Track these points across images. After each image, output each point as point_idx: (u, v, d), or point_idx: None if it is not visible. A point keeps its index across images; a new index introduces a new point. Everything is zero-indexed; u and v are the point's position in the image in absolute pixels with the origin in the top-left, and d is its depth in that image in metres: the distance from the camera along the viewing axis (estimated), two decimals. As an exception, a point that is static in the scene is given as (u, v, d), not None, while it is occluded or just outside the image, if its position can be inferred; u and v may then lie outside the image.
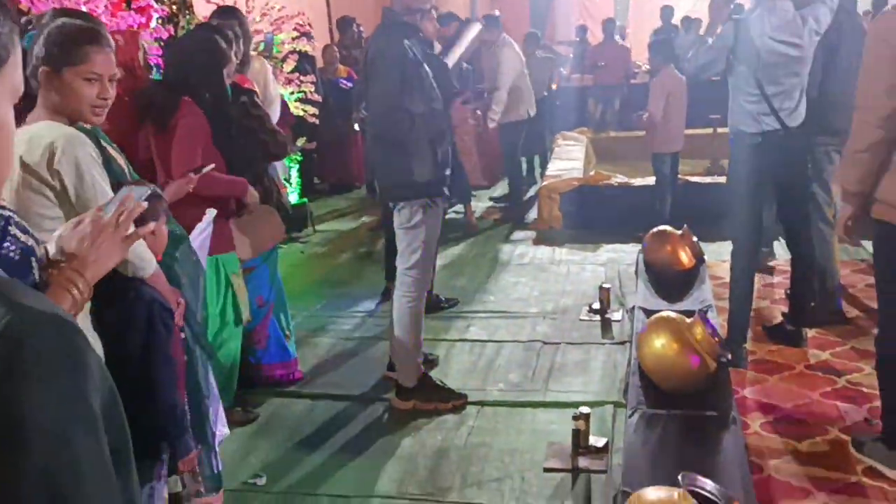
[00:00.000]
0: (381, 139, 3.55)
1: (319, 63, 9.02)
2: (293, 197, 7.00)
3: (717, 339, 2.77)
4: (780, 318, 4.23)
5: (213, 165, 3.00)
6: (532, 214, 7.16)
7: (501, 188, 8.16)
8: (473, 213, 7.05)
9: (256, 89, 3.96)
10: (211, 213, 3.06)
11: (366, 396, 3.75)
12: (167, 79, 3.35)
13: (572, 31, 12.75)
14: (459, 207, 7.16)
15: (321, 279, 5.73)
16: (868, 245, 5.59)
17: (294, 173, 7.05)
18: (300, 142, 7.03)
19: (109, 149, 2.33)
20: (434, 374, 3.82)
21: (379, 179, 3.76)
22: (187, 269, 2.50)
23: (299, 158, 7.08)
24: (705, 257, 4.27)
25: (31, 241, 1.32)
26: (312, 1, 9.55)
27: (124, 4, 5.41)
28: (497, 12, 17.05)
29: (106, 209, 1.55)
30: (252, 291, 3.70)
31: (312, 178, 8.27)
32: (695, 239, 4.21)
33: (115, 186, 2.14)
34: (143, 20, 4.74)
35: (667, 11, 11.11)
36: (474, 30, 5.69)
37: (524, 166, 8.45)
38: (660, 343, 2.80)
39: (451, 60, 4.35)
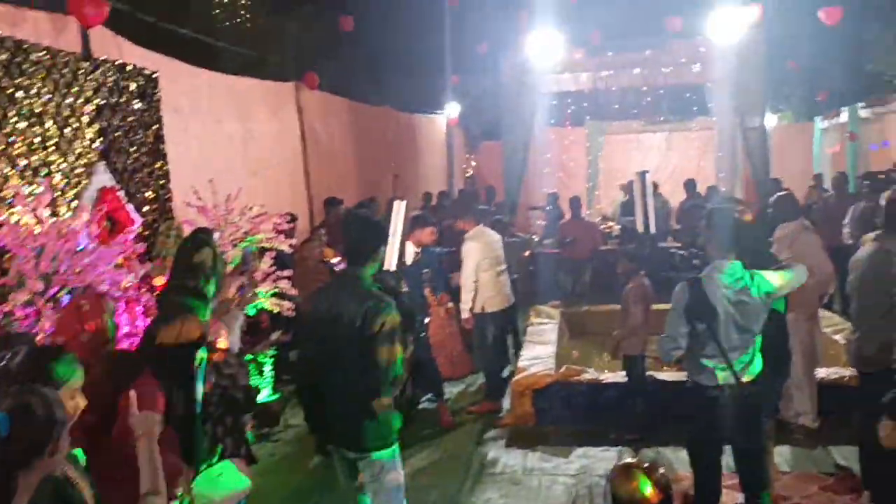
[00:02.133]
0: (364, 396, 3.61)
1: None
2: (265, 392, 7.01)
3: None
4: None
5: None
6: (506, 403, 7.19)
7: (476, 378, 8.20)
8: (447, 407, 7.05)
9: (224, 336, 4.05)
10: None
11: None
12: (141, 351, 3.44)
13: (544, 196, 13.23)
14: (432, 395, 7.18)
15: (290, 491, 5.66)
16: (835, 451, 5.69)
17: (267, 368, 7.07)
18: (275, 335, 7.10)
19: (81, 483, 2.38)
20: None
21: (346, 432, 3.77)
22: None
23: (274, 352, 7.12)
24: (676, 466, 4.30)
25: None
26: (294, 181, 9.89)
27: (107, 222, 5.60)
28: (470, 171, 17.62)
29: None
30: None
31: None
32: (662, 471, 4.27)
33: None
34: (122, 252, 4.86)
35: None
36: (398, 212, 5.75)
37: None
38: None
39: (390, 263, 4.48)
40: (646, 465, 4.23)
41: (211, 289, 3.86)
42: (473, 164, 19.04)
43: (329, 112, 11.11)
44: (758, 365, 3.92)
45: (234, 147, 8.35)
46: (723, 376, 3.85)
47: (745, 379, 3.86)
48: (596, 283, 10.91)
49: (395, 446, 3.76)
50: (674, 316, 3.96)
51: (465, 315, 7.33)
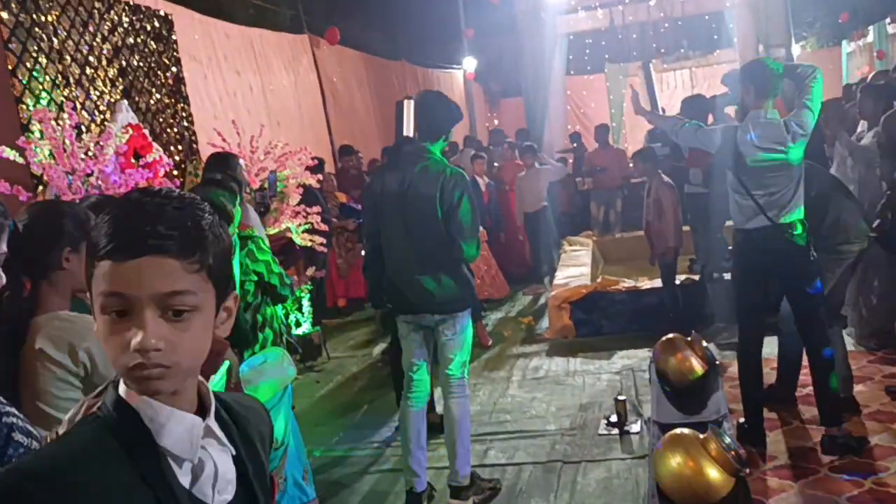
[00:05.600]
0: (445, 261, 3.73)
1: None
2: (305, 326, 7.08)
3: (733, 452, 2.75)
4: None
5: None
6: (544, 324, 7.19)
7: (513, 300, 8.27)
8: (485, 327, 7.08)
9: (257, 232, 4.09)
10: (225, 364, 3.10)
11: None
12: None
13: (566, 139, 13.14)
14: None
15: (336, 410, 5.71)
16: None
17: (305, 302, 7.13)
18: (310, 271, 7.15)
19: None
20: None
21: (429, 297, 3.79)
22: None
23: (310, 287, 7.17)
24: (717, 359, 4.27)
25: (34, 444, 1.37)
26: (317, 134, 9.93)
27: (133, 160, 5.66)
28: (496, 122, 17.53)
29: None
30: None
31: (324, 303, 8.34)
32: (704, 344, 4.22)
33: None
34: (151, 175, 4.94)
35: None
36: (409, 111, 6.19)
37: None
38: (675, 462, 2.79)
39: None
40: (688, 338, 4.23)
41: (237, 185, 3.90)
42: (496, 121, 18.99)
43: (345, 65, 11.09)
44: (798, 213, 3.84)
45: (255, 97, 8.38)
46: (755, 220, 3.83)
47: (779, 221, 3.79)
48: (627, 216, 10.79)
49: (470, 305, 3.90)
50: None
51: None
